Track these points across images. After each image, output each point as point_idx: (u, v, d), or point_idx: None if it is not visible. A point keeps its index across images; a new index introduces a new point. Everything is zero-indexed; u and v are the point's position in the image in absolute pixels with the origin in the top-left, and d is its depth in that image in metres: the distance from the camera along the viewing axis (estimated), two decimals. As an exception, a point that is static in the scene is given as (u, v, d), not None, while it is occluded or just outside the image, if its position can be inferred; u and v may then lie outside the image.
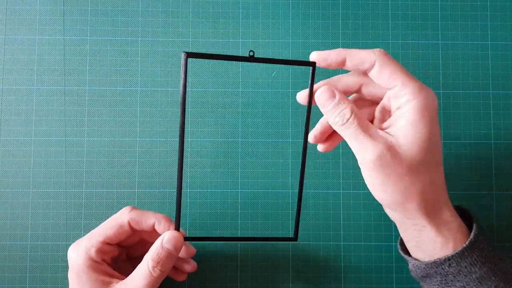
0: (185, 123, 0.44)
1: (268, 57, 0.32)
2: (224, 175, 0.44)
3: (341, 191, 0.44)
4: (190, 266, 0.39)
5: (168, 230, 0.35)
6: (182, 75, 0.31)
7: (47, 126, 0.44)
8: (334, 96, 0.33)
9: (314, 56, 0.33)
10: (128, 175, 0.44)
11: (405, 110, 0.32)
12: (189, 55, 0.30)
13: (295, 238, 0.35)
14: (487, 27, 0.45)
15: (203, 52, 0.44)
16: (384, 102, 0.34)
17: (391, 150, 0.31)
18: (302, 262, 0.43)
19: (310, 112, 0.34)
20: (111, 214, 0.43)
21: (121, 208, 0.37)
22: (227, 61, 0.44)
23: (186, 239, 0.34)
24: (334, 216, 0.43)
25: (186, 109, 0.44)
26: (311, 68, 0.33)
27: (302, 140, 0.37)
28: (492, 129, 0.44)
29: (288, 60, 0.33)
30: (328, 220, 0.43)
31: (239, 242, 0.43)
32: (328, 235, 0.43)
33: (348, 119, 0.32)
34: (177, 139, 0.44)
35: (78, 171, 0.44)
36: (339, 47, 0.45)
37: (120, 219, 0.36)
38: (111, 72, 0.45)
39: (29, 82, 0.44)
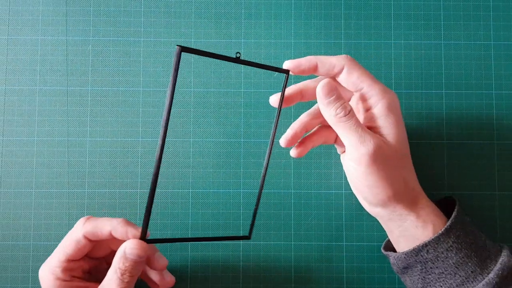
0: (188, 123, 0.44)
1: (251, 61, 0.33)
2: (226, 176, 0.44)
3: (343, 191, 0.44)
4: (165, 282, 0.38)
5: (126, 235, 0.34)
6: (173, 69, 0.30)
7: (50, 127, 0.44)
8: (336, 89, 0.34)
9: (287, 64, 0.35)
10: (131, 175, 0.44)
11: (378, 110, 0.34)
12: (183, 49, 0.30)
13: (248, 237, 0.36)
14: (490, 27, 0.45)
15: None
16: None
17: (385, 142, 0.34)
18: (304, 262, 0.43)
19: (279, 115, 0.36)
20: (113, 214, 0.43)
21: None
22: (230, 62, 0.44)
23: (147, 241, 0.33)
24: (336, 217, 0.43)
25: (188, 110, 0.44)
26: (285, 75, 0.35)
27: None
28: (495, 129, 0.44)
29: (267, 66, 0.34)
30: (330, 220, 0.43)
31: (241, 243, 0.43)
32: (330, 235, 0.43)
33: (350, 111, 0.34)
34: (179, 140, 0.44)
35: (80, 172, 0.44)
36: (341, 47, 0.45)
37: (75, 235, 0.35)
38: (114, 73, 0.45)
39: (32, 83, 0.44)
